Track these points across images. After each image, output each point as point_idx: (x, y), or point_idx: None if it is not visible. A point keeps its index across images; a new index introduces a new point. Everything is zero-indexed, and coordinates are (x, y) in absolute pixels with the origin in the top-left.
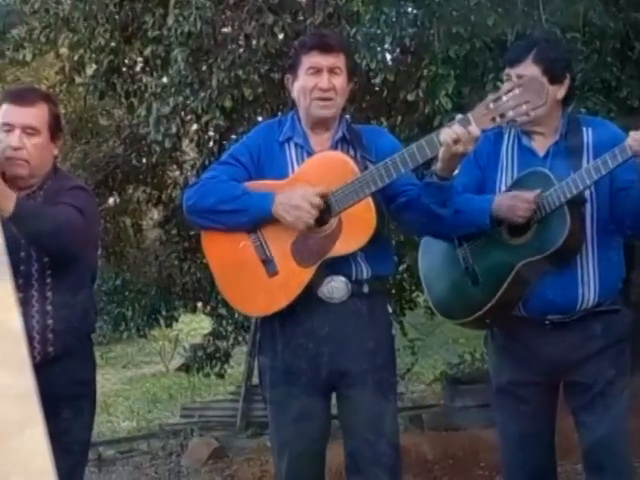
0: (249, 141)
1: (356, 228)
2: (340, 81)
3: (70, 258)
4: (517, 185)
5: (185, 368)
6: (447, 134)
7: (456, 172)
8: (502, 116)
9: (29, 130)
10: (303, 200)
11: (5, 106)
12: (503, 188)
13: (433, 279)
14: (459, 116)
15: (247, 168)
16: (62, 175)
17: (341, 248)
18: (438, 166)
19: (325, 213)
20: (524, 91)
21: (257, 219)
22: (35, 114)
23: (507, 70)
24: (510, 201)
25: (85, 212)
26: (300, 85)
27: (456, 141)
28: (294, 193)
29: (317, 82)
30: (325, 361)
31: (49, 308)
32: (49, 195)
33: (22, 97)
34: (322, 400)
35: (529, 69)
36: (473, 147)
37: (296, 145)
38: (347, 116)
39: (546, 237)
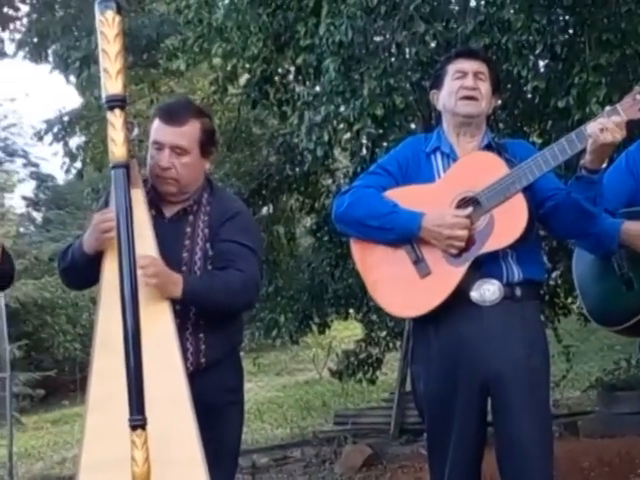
0: (396, 153)
1: (508, 224)
2: (485, 86)
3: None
4: None
5: (338, 375)
6: (595, 124)
7: (604, 180)
8: None
9: (178, 150)
10: (454, 229)
11: (156, 123)
12: None
13: (587, 285)
14: (607, 108)
15: (395, 177)
16: (218, 190)
17: (492, 244)
18: (587, 158)
19: (475, 211)
20: None
21: (403, 238)
22: (185, 134)
23: None
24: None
25: (258, 249)
26: (446, 91)
27: (603, 130)
28: (443, 222)
29: (462, 82)
30: (480, 366)
31: (202, 322)
32: (213, 216)
33: (173, 116)
34: (478, 406)
35: None
36: (621, 137)
37: (442, 154)
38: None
39: None
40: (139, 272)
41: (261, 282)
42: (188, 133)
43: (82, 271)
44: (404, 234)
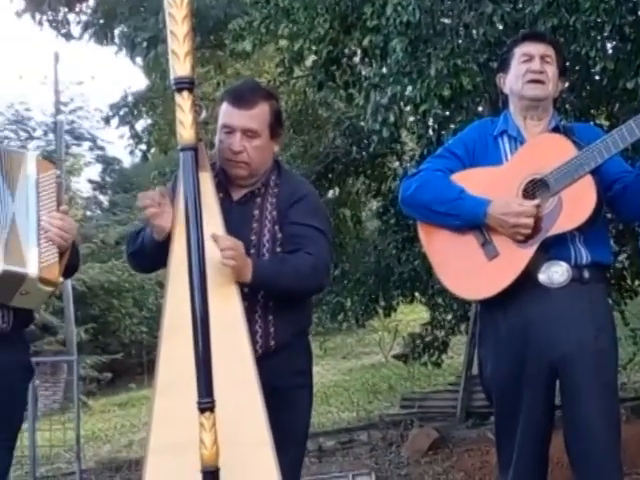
0: (464, 136)
1: (576, 205)
2: (552, 69)
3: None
4: None
5: (403, 357)
6: None
7: None
8: None
9: (249, 133)
10: (520, 217)
11: (225, 106)
12: None
13: None
14: None
15: (462, 161)
16: (286, 172)
17: (561, 225)
18: None
19: (543, 194)
20: None
21: (469, 225)
22: (256, 116)
23: None
24: None
25: (328, 231)
26: (513, 74)
27: None
28: (509, 210)
29: (529, 66)
30: (548, 348)
31: (271, 304)
32: (281, 198)
33: (243, 99)
34: (546, 388)
35: None
36: None
37: (510, 137)
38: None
39: None
40: (219, 254)
41: (331, 264)
42: (258, 116)
43: (150, 256)
44: (470, 221)
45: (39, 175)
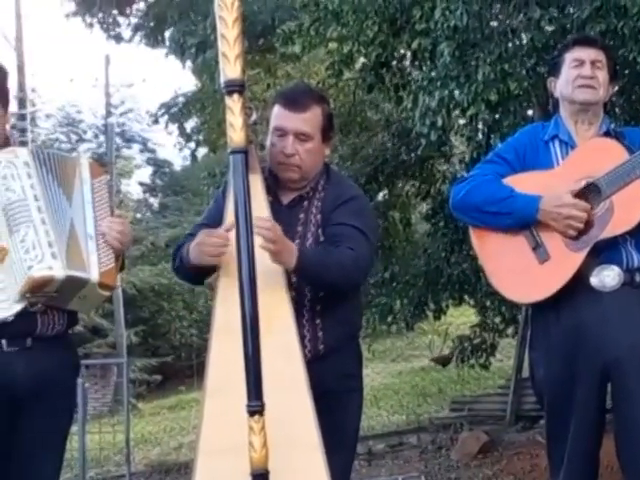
0: (514, 141)
1: (628, 209)
2: (602, 74)
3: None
4: None
5: (442, 361)
6: None
7: None
8: None
9: (302, 136)
10: (572, 209)
11: (277, 109)
12: None
13: None
14: None
15: (512, 166)
16: (335, 175)
17: (613, 229)
18: None
19: (594, 197)
20: None
21: (521, 223)
22: (308, 120)
23: None
24: None
25: (370, 233)
26: (563, 79)
27: None
28: (561, 202)
29: (580, 72)
30: (600, 352)
31: (319, 308)
32: (327, 201)
33: (295, 102)
34: (597, 391)
35: None
36: None
37: (561, 142)
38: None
39: None
40: (257, 238)
41: (371, 266)
42: (311, 119)
43: (193, 274)
44: (522, 218)
45: (93, 180)
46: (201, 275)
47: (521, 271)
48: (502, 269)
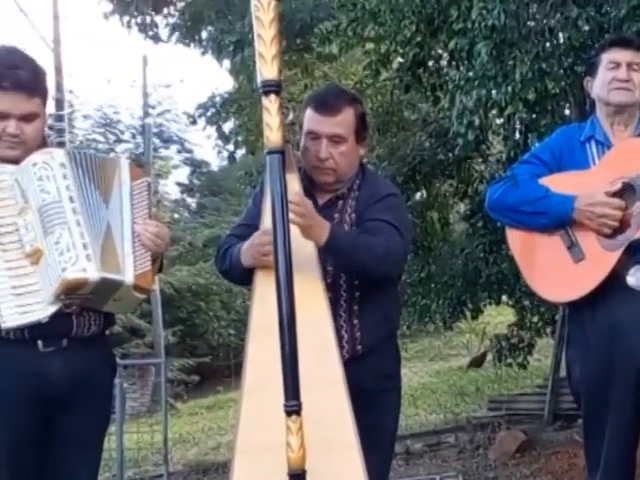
0: (550, 141)
1: None
2: (638, 76)
3: (387, 280)
4: None
5: (476, 363)
6: None
7: None
8: None
9: (336, 139)
10: (605, 207)
11: (310, 112)
12: None
13: None
14: None
15: (549, 166)
16: (370, 175)
17: None
18: None
19: (629, 197)
20: None
21: (557, 222)
22: (341, 122)
23: None
24: None
25: (402, 228)
26: (599, 81)
27: None
28: (595, 200)
29: (615, 74)
30: (636, 352)
31: (356, 308)
32: (361, 200)
33: (327, 105)
34: (634, 390)
35: None
36: None
37: (597, 142)
38: None
39: None
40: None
41: (404, 261)
42: (344, 121)
43: (243, 276)
44: (557, 217)
45: (132, 182)
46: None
47: (556, 270)
48: (537, 269)
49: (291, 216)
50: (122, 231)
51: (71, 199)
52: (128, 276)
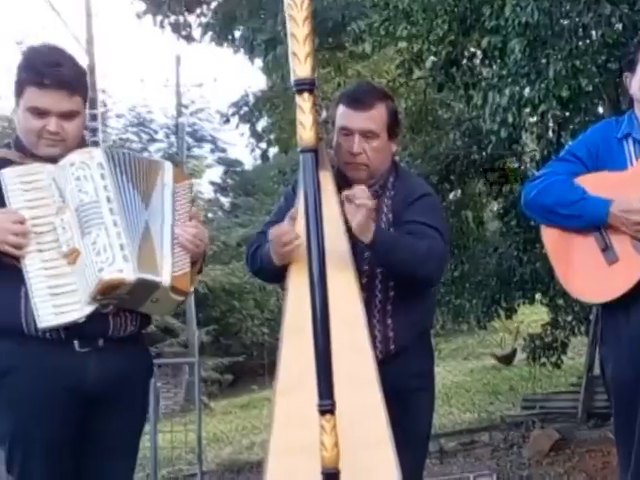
0: (586, 138)
1: None
2: None
3: (428, 283)
4: None
5: (505, 360)
6: None
7: None
8: None
9: (368, 134)
10: (639, 215)
11: (342, 109)
12: None
13: None
14: None
15: (585, 164)
16: (404, 173)
17: None
18: None
19: None
20: None
21: (591, 225)
22: (373, 118)
23: None
24: None
25: (441, 228)
26: (637, 78)
27: None
28: (631, 207)
29: None
30: None
31: (389, 308)
32: (397, 200)
33: (359, 101)
34: None
35: None
36: None
37: (634, 140)
38: None
39: None
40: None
41: (445, 263)
42: (376, 117)
43: (275, 275)
44: (592, 221)
45: (175, 184)
46: (284, 274)
47: (589, 272)
48: (571, 269)
49: (357, 201)
50: (161, 232)
51: (109, 199)
52: (165, 277)
